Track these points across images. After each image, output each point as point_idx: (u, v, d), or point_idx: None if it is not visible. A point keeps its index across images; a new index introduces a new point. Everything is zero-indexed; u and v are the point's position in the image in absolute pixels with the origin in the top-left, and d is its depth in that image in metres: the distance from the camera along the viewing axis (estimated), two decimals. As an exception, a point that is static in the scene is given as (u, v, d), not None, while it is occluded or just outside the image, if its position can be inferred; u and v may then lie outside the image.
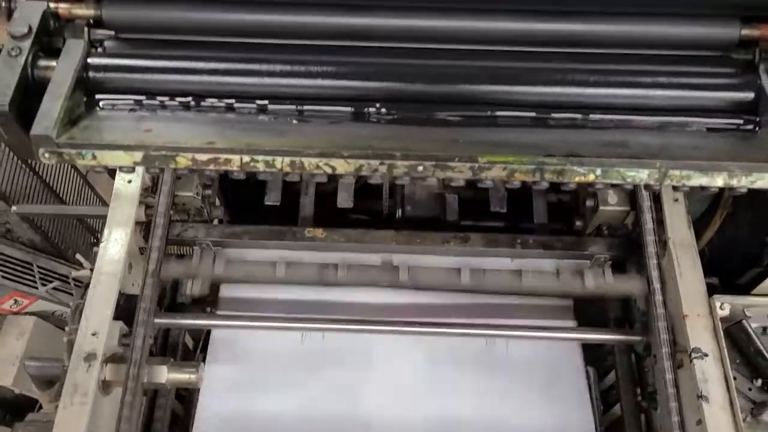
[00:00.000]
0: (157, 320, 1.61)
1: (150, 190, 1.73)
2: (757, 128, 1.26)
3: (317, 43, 1.37)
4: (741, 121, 1.27)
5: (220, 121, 1.27)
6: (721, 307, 1.56)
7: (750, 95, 1.27)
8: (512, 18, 1.35)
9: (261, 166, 1.20)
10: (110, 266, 1.58)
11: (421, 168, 1.19)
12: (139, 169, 1.47)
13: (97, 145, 1.19)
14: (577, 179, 1.19)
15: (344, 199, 1.84)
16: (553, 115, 1.28)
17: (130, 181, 1.59)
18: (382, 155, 1.19)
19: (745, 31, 1.33)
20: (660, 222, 1.68)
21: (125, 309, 1.59)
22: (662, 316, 1.52)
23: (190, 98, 1.29)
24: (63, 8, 1.34)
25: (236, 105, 1.28)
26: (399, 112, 1.28)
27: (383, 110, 1.28)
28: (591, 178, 1.19)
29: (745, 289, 1.65)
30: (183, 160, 1.19)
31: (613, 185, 1.52)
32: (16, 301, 2.39)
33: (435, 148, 1.20)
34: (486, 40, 1.37)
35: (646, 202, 1.65)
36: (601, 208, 1.69)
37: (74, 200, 2.67)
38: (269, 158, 1.19)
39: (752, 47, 1.35)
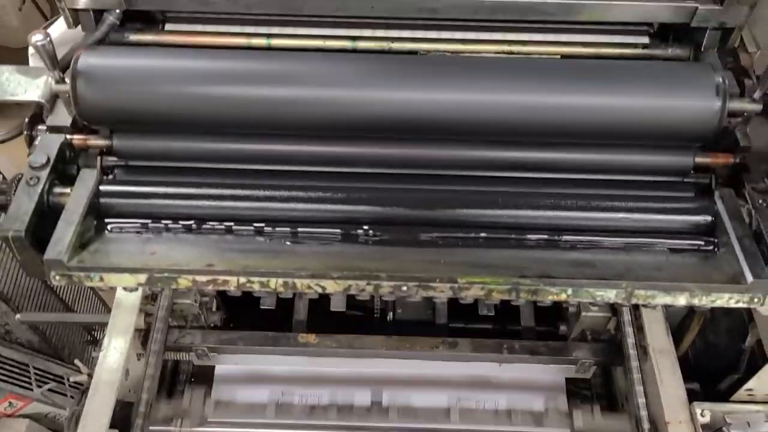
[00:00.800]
0: (152, 428, 1.66)
1: (150, 298, 1.82)
2: (716, 249, 1.35)
3: (309, 170, 1.50)
4: (701, 242, 1.37)
5: (219, 243, 1.37)
6: (701, 414, 1.62)
7: (708, 218, 1.38)
8: (491, 147, 1.48)
9: (256, 287, 1.29)
10: (109, 374, 1.65)
11: (405, 288, 1.29)
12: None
13: (104, 269, 1.28)
14: (550, 298, 1.28)
15: (337, 304, 1.93)
16: (529, 236, 1.38)
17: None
18: (369, 276, 1.28)
19: (699, 159, 1.46)
20: (640, 328, 1.76)
21: (122, 417, 1.64)
22: (645, 419, 1.58)
23: (192, 222, 1.39)
24: (79, 139, 1.47)
25: (234, 228, 1.39)
26: (385, 233, 1.38)
27: (371, 232, 1.38)
28: (563, 297, 1.28)
29: (726, 395, 1.71)
30: (184, 282, 1.28)
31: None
32: (10, 403, 2.41)
33: (418, 269, 1.30)
34: (466, 166, 1.50)
35: (625, 309, 1.74)
36: (584, 314, 1.78)
37: (74, 299, 2.74)
38: (264, 279, 1.28)
39: (708, 172, 1.47)
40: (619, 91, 1.40)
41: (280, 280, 1.28)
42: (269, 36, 1.64)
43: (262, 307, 1.95)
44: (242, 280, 1.28)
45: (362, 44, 1.63)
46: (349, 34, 1.63)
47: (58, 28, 1.63)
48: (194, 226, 1.39)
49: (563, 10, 1.51)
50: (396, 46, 1.63)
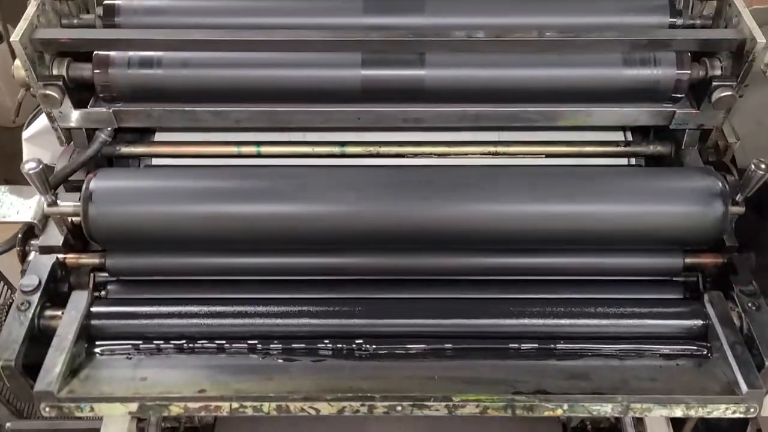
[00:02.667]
0: None
1: (143, 405, 1.79)
2: (709, 354, 1.36)
3: (300, 279, 1.51)
4: (694, 348, 1.37)
5: (211, 363, 1.36)
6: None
7: (699, 322, 1.39)
8: (484, 254, 1.49)
9: (249, 411, 1.28)
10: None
11: (399, 408, 1.28)
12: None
13: (95, 399, 1.27)
14: (546, 413, 1.28)
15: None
16: (522, 346, 1.38)
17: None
18: (363, 397, 1.27)
19: (689, 260, 1.47)
20: (640, 419, 1.75)
21: None
22: None
23: (183, 341, 1.39)
24: (71, 258, 1.48)
25: (226, 346, 1.38)
26: (378, 347, 1.38)
27: (364, 346, 1.38)
28: (559, 412, 1.27)
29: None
30: (176, 409, 1.27)
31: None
32: None
33: (412, 387, 1.29)
34: (458, 273, 1.51)
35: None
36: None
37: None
38: (257, 404, 1.27)
39: (697, 271, 1.49)
40: (624, 200, 1.41)
41: (273, 404, 1.27)
42: (259, 144, 1.67)
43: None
44: (235, 405, 1.27)
45: (350, 149, 1.66)
46: (338, 139, 1.67)
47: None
48: (186, 345, 1.39)
49: (545, 117, 1.55)
50: (383, 150, 1.66)
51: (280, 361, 1.37)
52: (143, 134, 1.69)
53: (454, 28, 1.46)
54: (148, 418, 1.84)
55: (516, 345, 1.39)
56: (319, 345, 1.39)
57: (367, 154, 1.67)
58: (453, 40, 1.44)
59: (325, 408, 1.28)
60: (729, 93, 1.43)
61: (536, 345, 1.38)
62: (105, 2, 1.58)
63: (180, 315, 1.42)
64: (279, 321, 1.41)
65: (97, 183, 1.41)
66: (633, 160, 1.68)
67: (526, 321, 1.40)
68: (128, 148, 1.65)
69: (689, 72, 1.49)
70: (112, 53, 1.50)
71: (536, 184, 1.42)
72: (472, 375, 1.33)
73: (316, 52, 1.50)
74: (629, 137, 1.69)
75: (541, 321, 1.40)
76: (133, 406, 1.26)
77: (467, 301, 1.46)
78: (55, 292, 1.44)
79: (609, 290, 1.48)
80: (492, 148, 1.67)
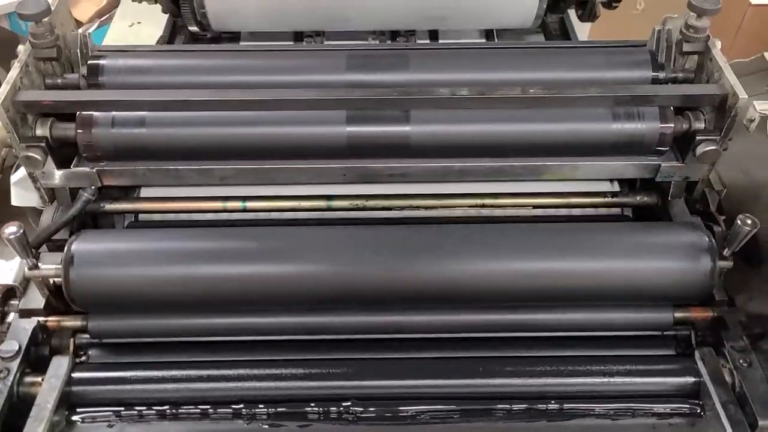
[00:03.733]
0: None
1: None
2: (702, 413, 1.34)
3: (288, 339, 1.49)
4: (687, 406, 1.35)
5: (195, 429, 1.34)
6: None
7: (691, 380, 1.37)
8: (471, 312, 1.48)
9: (233, 481, 1.24)
10: None
11: (387, 474, 1.25)
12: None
13: (74, 471, 1.24)
14: (540, 481, 1.25)
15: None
16: (514, 407, 1.36)
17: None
18: (350, 464, 1.24)
19: (678, 314, 1.46)
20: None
21: None
22: None
23: (166, 407, 1.35)
24: (53, 321, 1.45)
25: (210, 411, 1.35)
26: (366, 409, 1.35)
27: (351, 408, 1.35)
28: (553, 479, 1.24)
29: None
30: (158, 480, 1.23)
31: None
32: None
33: (399, 453, 1.26)
34: (447, 330, 1.49)
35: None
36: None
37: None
38: (241, 473, 1.23)
39: (687, 326, 1.48)
40: (612, 257, 1.41)
41: (258, 474, 1.24)
42: (245, 198, 1.66)
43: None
44: (218, 475, 1.23)
45: (337, 203, 1.66)
46: (324, 192, 1.66)
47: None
48: (169, 411, 1.36)
49: (530, 171, 1.55)
50: (371, 203, 1.66)
51: (266, 426, 1.34)
52: (128, 191, 1.69)
53: (438, 85, 1.47)
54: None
55: (506, 406, 1.36)
56: (306, 409, 1.36)
57: (354, 207, 1.66)
58: (437, 97, 1.44)
59: (312, 476, 1.25)
60: (713, 147, 1.44)
61: (526, 405, 1.36)
62: (89, 62, 1.57)
63: (163, 380, 1.39)
64: (265, 384, 1.38)
65: (78, 246, 1.39)
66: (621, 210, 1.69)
67: (515, 380, 1.38)
68: (112, 205, 1.64)
69: (673, 126, 1.50)
70: (96, 113, 1.50)
71: (525, 242, 1.42)
72: (462, 438, 1.30)
73: (300, 110, 1.50)
74: (616, 187, 1.69)
75: (531, 380, 1.38)
76: (114, 479, 1.23)
77: (456, 360, 1.43)
78: (35, 357, 1.41)
79: (600, 347, 1.47)
80: (479, 201, 1.67)
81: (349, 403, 1.36)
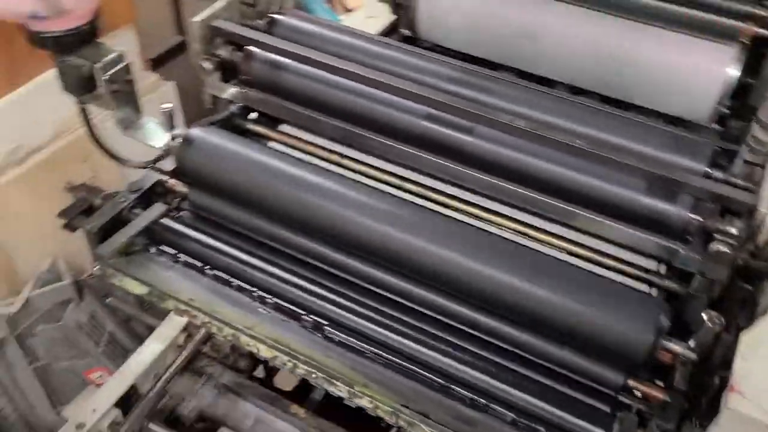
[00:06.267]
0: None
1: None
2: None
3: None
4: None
5: (242, 301, 1.69)
6: None
7: (601, 434, 1.45)
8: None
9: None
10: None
11: None
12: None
13: (127, 275, 1.72)
14: None
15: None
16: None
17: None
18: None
19: (630, 382, 1.53)
20: None
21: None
22: None
23: (216, 270, 1.76)
24: (170, 183, 1.96)
25: (267, 299, 1.70)
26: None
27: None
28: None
29: None
30: (172, 304, 1.67)
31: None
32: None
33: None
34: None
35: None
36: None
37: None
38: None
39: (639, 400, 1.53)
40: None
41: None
42: (342, 156, 2.04)
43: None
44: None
45: (408, 186, 1.96)
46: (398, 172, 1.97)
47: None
48: (222, 276, 1.75)
49: (560, 212, 1.69)
50: (434, 197, 1.93)
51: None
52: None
53: (504, 111, 1.71)
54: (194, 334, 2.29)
55: None
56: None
57: (420, 194, 1.95)
58: (498, 120, 1.69)
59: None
60: (724, 249, 1.48)
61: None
62: (272, 15, 2.08)
63: (222, 252, 1.77)
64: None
65: (196, 132, 1.84)
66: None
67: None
68: (252, 126, 2.12)
69: (701, 218, 1.56)
70: (258, 50, 1.98)
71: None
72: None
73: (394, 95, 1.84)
74: (661, 268, 1.75)
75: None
76: (144, 289, 1.69)
77: None
78: (149, 200, 1.93)
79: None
80: (521, 227, 1.85)
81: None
